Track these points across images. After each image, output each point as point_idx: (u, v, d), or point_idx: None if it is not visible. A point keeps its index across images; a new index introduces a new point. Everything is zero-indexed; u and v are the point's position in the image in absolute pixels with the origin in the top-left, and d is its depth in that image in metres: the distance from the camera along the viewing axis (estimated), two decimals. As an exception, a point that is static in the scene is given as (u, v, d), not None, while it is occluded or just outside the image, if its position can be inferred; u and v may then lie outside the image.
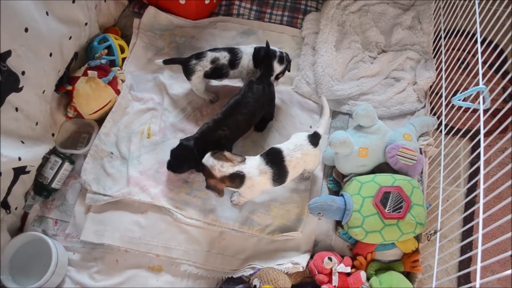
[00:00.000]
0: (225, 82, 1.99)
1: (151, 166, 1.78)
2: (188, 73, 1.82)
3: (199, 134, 1.66)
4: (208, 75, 1.84)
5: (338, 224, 1.63)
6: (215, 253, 1.64)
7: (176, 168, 1.70)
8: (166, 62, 1.87)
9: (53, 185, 1.71)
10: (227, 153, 1.49)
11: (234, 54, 1.80)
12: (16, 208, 1.66)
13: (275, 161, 1.51)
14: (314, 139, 1.55)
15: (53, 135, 1.79)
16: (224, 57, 1.79)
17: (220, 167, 1.45)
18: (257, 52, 1.80)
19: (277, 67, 1.81)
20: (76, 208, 1.72)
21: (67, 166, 1.74)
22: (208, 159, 1.48)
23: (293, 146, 1.52)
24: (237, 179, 1.47)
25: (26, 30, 1.42)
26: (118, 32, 2.15)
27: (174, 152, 1.68)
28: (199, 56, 1.80)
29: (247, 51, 1.81)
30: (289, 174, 1.53)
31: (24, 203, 1.72)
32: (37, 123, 1.62)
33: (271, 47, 1.77)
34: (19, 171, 1.59)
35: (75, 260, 1.65)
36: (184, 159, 1.66)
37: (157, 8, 2.19)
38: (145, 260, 1.65)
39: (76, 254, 1.66)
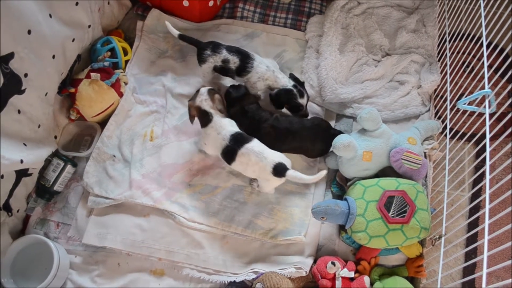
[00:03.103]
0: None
1: (154, 169, 1.77)
2: (200, 60, 1.82)
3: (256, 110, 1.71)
4: (217, 70, 1.84)
5: (342, 228, 1.61)
6: (218, 257, 1.63)
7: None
8: (181, 37, 1.86)
9: (55, 188, 1.71)
10: (217, 96, 1.65)
11: (244, 64, 1.77)
12: (18, 211, 1.66)
13: (236, 141, 1.58)
14: (278, 168, 1.53)
15: (55, 137, 1.79)
16: (234, 63, 1.78)
17: (203, 100, 1.62)
18: (276, 97, 1.77)
19: (303, 101, 1.77)
20: (78, 211, 1.71)
21: (69, 168, 1.74)
22: (204, 89, 1.65)
23: (258, 150, 1.54)
24: (205, 117, 1.62)
25: (29, 32, 1.42)
26: (122, 34, 2.15)
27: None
28: (215, 49, 1.80)
29: (259, 69, 1.77)
30: (234, 162, 1.59)
31: (26, 205, 1.72)
32: (39, 126, 1.62)
33: (283, 87, 1.76)
34: (21, 174, 1.59)
35: (77, 263, 1.64)
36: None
37: (161, 11, 2.19)
38: (147, 264, 1.64)
39: (78, 257, 1.66)
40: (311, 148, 1.74)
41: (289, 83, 1.76)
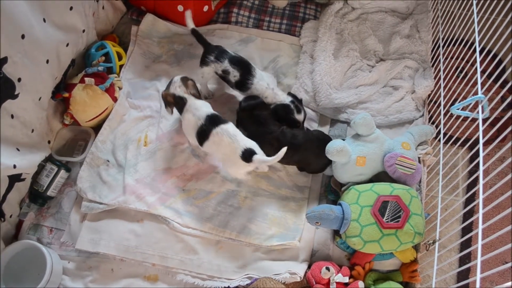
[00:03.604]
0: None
1: (148, 174, 1.76)
2: (203, 62, 1.82)
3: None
4: (217, 75, 1.85)
5: (336, 233, 1.61)
6: (212, 262, 1.62)
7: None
8: (194, 31, 1.86)
9: (49, 193, 1.70)
10: (191, 82, 1.72)
11: (244, 80, 1.78)
12: (11, 216, 1.65)
13: (212, 121, 1.62)
14: (246, 153, 1.54)
15: (49, 142, 1.78)
16: (234, 76, 1.78)
17: (177, 87, 1.69)
18: (273, 112, 1.76)
19: (300, 117, 1.77)
20: (72, 216, 1.70)
21: (63, 173, 1.73)
22: (176, 77, 1.72)
23: (232, 132, 1.58)
24: (181, 102, 1.68)
25: (23, 36, 1.41)
26: (116, 39, 2.15)
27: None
28: (219, 56, 1.79)
29: (258, 87, 1.77)
30: (207, 142, 1.62)
31: (19, 210, 1.70)
32: (33, 130, 1.61)
33: (281, 103, 1.76)
34: (14, 179, 1.57)
35: (70, 269, 1.63)
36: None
37: (155, 16, 2.19)
38: (141, 269, 1.63)
39: (71, 262, 1.64)
40: (314, 162, 1.73)
41: (287, 99, 1.76)
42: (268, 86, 1.77)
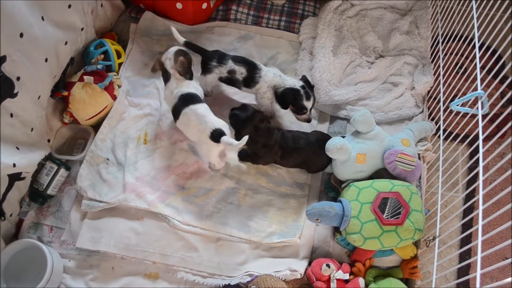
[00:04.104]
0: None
1: (148, 172, 1.76)
2: (205, 70, 1.81)
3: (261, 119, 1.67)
4: (222, 81, 1.84)
5: (336, 230, 1.61)
6: (212, 260, 1.62)
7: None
8: (187, 44, 1.83)
9: (49, 192, 1.70)
10: (181, 59, 1.69)
11: (252, 75, 1.76)
12: (11, 215, 1.65)
13: (184, 100, 1.65)
14: (215, 133, 1.57)
15: (48, 141, 1.78)
16: (240, 73, 1.77)
17: (168, 58, 1.69)
18: (282, 96, 1.74)
19: (308, 104, 1.74)
20: (72, 214, 1.70)
21: (62, 172, 1.73)
22: (173, 48, 1.71)
23: (201, 113, 1.60)
24: (165, 74, 1.72)
25: (21, 35, 1.41)
26: (115, 37, 2.14)
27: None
28: (221, 60, 1.78)
29: (267, 78, 1.76)
30: (178, 121, 1.69)
31: (19, 209, 1.70)
32: (32, 129, 1.61)
33: (290, 86, 1.73)
34: (14, 178, 1.57)
35: (71, 267, 1.63)
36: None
37: (154, 13, 2.18)
38: (141, 268, 1.63)
39: (72, 261, 1.64)
40: (315, 162, 1.73)
41: (297, 84, 1.74)
42: (275, 74, 1.76)
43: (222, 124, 1.61)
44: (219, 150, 1.64)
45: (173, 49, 1.71)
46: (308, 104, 1.73)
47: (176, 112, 1.67)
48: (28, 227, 1.70)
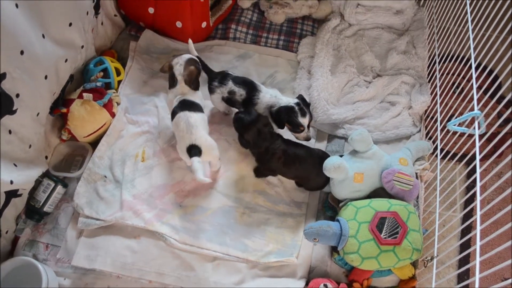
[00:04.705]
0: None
1: (145, 190, 1.76)
2: (209, 90, 1.84)
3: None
4: (224, 101, 1.85)
5: (334, 249, 1.61)
6: (209, 279, 1.61)
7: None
8: (202, 65, 1.86)
9: (45, 209, 1.69)
10: (192, 68, 1.70)
11: (251, 96, 1.77)
12: (6, 232, 1.63)
13: (182, 105, 1.68)
14: (192, 149, 1.60)
15: (46, 157, 1.78)
16: (240, 95, 1.79)
17: (178, 64, 1.70)
18: (276, 114, 1.73)
19: (304, 120, 1.72)
20: (68, 232, 1.69)
21: (59, 189, 1.72)
22: (186, 56, 1.74)
23: (192, 123, 1.62)
24: (172, 79, 1.72)
25: (22, 52, 1.41)
26: (115, 54, 2.16)
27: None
28: (223, 80, 1.80)
29: (264, 100, 1.76)
30: (172, 120, 1.70)
31: (15, 226, 1.69)
32: (30, 146, 1.60)
33: (284, 104, 1.73)
34: (11, 195, 1.57)
35: (66, 285, 1.61)
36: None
37: (154, 31, 2.20)
38: (137, 286, 1.61)
39: (67, 279, 1.62)
40: (314, 178, 1.72)
41: (292, 101, 1.73)
42: (271, 95, 1.77)
43: (208, 144, 1.64)
44: (187, 161, 1.66)
45: (186, 56, 1.73)
46: (303, 120, 1.72)
47: (173, 113, 1.69)
48: (23, 244, 1.68)
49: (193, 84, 1.73)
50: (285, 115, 1.71)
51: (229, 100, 1.83)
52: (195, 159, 1.57)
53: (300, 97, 1.77)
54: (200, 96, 1.77)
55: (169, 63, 1.74)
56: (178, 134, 1.66)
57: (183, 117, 1.64)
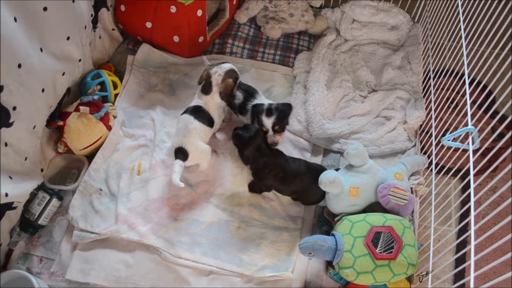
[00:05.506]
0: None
1: (141, 204, 1.75)
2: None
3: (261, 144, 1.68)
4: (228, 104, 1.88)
5: (329, 264, 1.60)
6: (204, 293, 1.60)
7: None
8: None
9: (40, 222, 1.68)
10: (229, 81, 1.73)
11: (245, 102, 1.81)
12: (0, 245, 1.62)
13: (190, 109, 1.74)
14: (179, 152, 1.68)
15: (42, 170, 1.77)
16: (238, 99, 1.83)
17: (218, 73, 1.74)
18: (251, 110, 1.78)
19: (267, 121, 1.69)
20: (63, 245, 1.68)
21: (55, 202, 1.72)
22: (227, 65, 1.77)
23: (191, 128, 1.68)
24: (207, 87, 1.75)
25: (20, 66, 1.42)
26: (112, 68, 2.17)
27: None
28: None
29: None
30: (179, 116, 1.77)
31: (9, 239, 1.68)
32: (26, 158, 1.60)
33: (264, 100, 1.79)
34: (6, 207, 1.56)
35: (59, 300, 1.60)
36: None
37: (151, 46, 2.22)
38: (131, 301, 1.60)
39: (61, 293, 1.61)
40: (312, 193, 1.72)
41: (266, 101, 1.77)
42: (261, 101, 1.80)
43: (198, 151, 1.69)
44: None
45: (227, 66, 1.76)
46: (266, 121, 1.68)
47: (185, 111, 1.75)
48: (17, 257, 1.67)
49: (226, 97, 1.75)
50: (253, 112, 1.75)
51: (230, 104, 1.86)
52: (178, 162, 1.64)
53: (286, 104, 1.76)
54: (221, 113, 1.81)
55: (207, 72, 1.76)
56: (177, 131, 1.73)
57: (186, 120, 1.70)
